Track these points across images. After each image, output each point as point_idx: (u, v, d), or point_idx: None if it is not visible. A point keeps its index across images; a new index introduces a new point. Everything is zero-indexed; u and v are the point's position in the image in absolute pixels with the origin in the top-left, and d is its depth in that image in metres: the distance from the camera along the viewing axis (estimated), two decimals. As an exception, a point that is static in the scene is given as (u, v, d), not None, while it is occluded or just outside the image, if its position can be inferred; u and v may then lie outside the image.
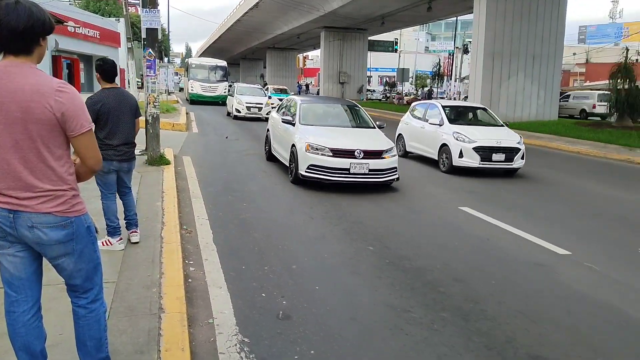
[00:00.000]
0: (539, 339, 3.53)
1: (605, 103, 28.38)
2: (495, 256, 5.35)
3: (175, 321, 3.32)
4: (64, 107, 2.11)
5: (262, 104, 21.92)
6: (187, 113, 21.72)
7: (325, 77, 43.40)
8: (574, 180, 10.48)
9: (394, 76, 54.32)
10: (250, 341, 3.32)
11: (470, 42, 28.46)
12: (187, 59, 48.66)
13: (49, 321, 2.73)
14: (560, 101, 25.93)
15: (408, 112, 12.90)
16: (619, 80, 20.28)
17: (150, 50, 9.52)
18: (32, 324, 2.35)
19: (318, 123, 9.11)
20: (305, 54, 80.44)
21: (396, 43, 52.87)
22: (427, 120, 11.41)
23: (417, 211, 7.27)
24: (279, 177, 9.16)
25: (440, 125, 10.80)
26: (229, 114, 23.23)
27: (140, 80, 23.79)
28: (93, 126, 2.25)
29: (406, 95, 47.18)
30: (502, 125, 11.28)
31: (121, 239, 4.71)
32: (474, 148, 9.91)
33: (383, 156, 8.11)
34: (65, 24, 17.52)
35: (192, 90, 30.95)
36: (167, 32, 45.72)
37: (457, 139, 10.13)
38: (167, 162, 9.22)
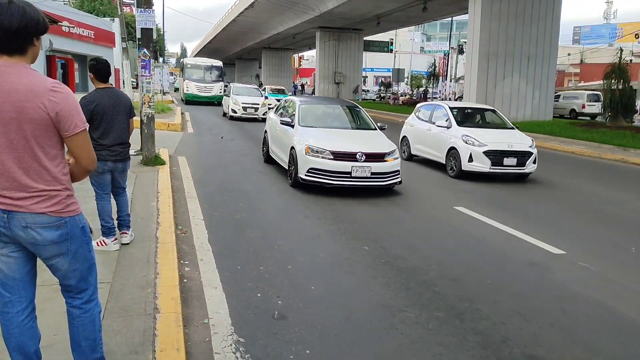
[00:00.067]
0: (533, 338, 3.55)
1: (595, 103, 28.74)
2: (490, 256, 5.37)
3: (170, 321, 3.31)
4: (58, 107, 2.11)
5: (258, 104, 21.86)
6: (182, 113, 21.63)
7: (321, 77, 43.40)
8: (568, 180, 10.52)
9: (390, 76, 54.42)
10: (245, 341, 3.32)
11: (465, 42, 28.50)
12: (182, 59, 48.48)
13: (44, 322, 2.72)
14: (551, 101, 26.07)
15: (413, 114, 12.34)
16: (613, 81, 20.46)
17: (145, 50, 9.50)
18: (26, 324, 2.34)
19: (318, 125, 8.84)
20: (300, 54, 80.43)
21: (391, 43, 53.08)
22: (433, 123, 10.92)
23: (412, 211, 7.29)
24: (274, 177, 9.15)
25: (448, 128, 10.31)
26: (224, 114, 23.12)
27: (135, 80, 23.71)
28: (87, 126, 2.24)
29: (402, 96, 47.22)
30: (512, 128, 10.69)
31: (116, 239, 4.70)
32: (484, 152, 9.41)
33: (385, 159, 7.87)
34: (59, 23, 17.44)
35: (187, 90, 30.79)
36: (162, 32, 45.65)
37: (467, 142, 9.64)
38: (162, 163, 9.20)
